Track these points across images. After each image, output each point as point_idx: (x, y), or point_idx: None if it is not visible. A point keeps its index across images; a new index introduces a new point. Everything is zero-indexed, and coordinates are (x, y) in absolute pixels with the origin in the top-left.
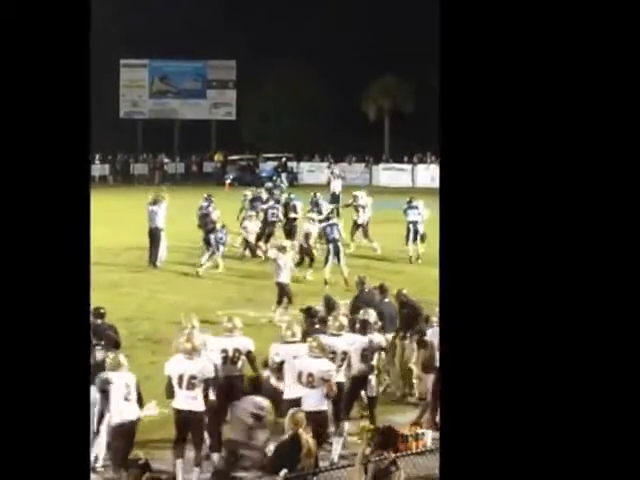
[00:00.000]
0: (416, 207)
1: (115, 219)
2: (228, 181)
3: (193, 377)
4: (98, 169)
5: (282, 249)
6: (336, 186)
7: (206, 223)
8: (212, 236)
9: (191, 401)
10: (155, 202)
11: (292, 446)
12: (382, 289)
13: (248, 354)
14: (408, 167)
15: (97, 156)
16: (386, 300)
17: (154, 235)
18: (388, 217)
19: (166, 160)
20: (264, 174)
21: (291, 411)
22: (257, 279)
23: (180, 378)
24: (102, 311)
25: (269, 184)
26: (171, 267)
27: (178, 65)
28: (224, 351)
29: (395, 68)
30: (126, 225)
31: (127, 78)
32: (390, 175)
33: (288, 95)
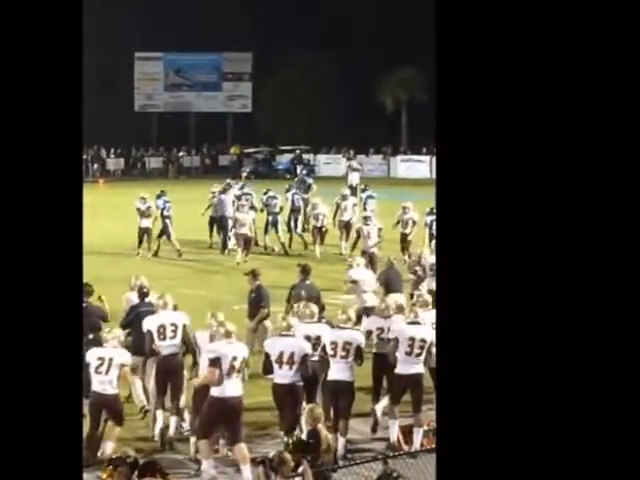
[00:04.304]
0: (373, 197)
1: (128, 214)
2: (244, 174)
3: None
4: (113, 163)
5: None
6: (354, 179)
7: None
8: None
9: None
10: (224, 191)
11: (311, 441)
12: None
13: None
14: (426, 158)
15: (112, 150)
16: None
17: (221, 223)
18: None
19: (181, 153)
20: (281, 167)
21: (309, 406)
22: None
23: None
24: (145, 290)
25: (296, 180)
26: (185, 262)
27: (193, 58)
28: (308, 337)
29: (412, 59)
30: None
31: (142, 71)
32: (408, 167)
33: (304, 87)
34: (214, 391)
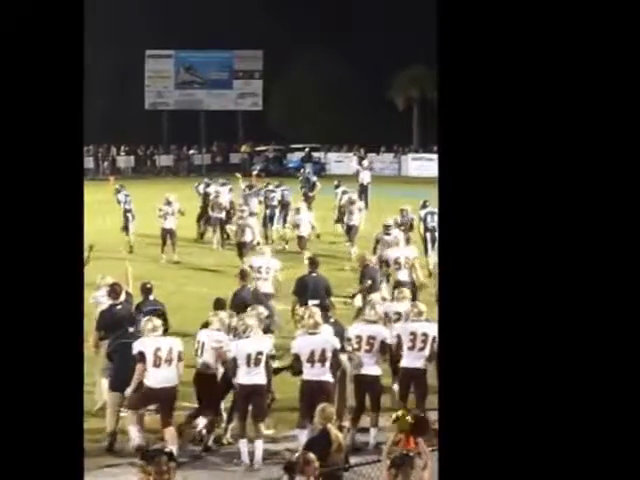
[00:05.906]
0: (347, 192)
1: (138, 211)
2: (255, 172)
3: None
4: (123, 161)
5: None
6: (365, 177)
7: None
8: None
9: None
10: (251, 214)
11: (322, 441)
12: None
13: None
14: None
15: (122, 148)
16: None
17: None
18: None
19: (192, 151)
20: (292, 165)
21: (320, 406)
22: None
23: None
24: (149, 286)
25: (301, 178)
26: (192, 261)
27: (204, 55)
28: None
29: (423, 57)
30: (149, 217)
31: (152, 69)
32: (419, 165)
33: (315, 85)
34: (146, 381)
